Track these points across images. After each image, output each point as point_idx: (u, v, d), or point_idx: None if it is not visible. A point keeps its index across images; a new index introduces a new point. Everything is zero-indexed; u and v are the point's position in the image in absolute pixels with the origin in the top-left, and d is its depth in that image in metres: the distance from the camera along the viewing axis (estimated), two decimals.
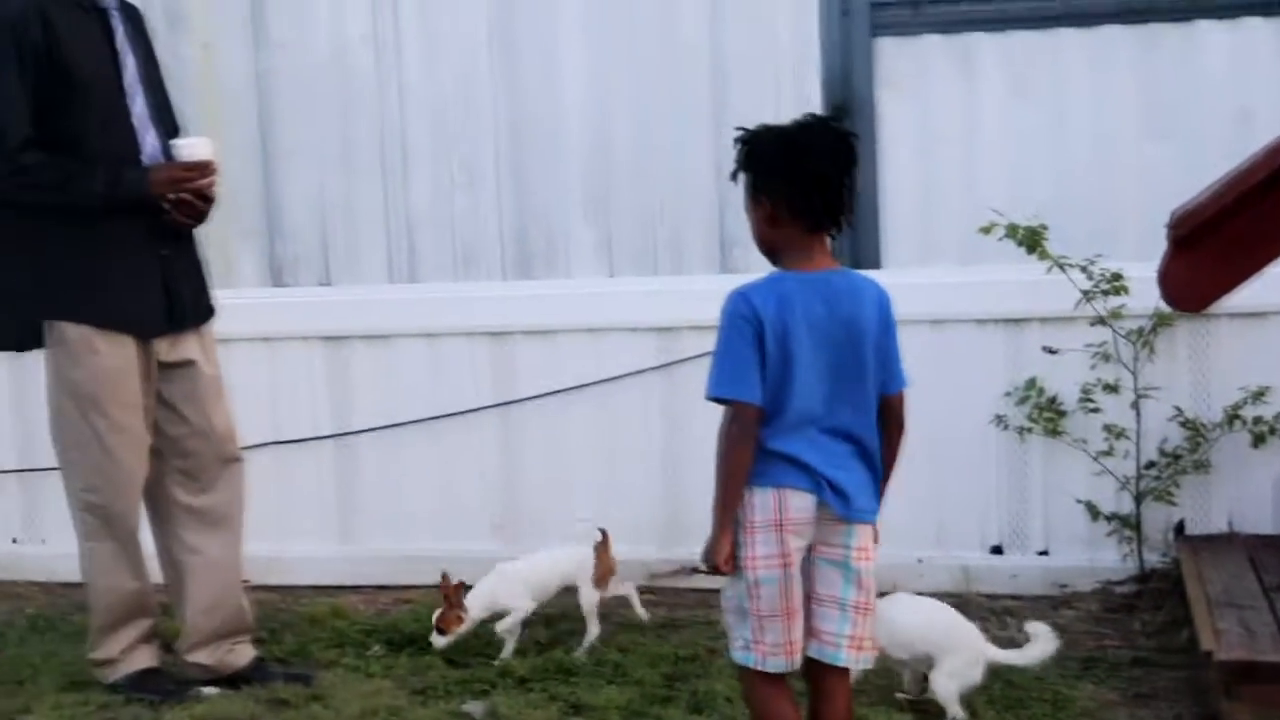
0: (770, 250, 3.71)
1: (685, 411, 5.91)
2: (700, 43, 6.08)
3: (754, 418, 3.60)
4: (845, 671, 3.74)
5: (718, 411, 3.62)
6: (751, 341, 3.59)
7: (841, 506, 3.62)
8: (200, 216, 4.96)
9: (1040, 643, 4.60)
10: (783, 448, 3.62)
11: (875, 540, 3.76)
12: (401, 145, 6.28)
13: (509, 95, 6.21)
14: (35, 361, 5.78)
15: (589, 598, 5.32)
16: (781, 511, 3.62)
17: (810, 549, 3.68)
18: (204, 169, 4.88)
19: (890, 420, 3.74)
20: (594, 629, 5.30)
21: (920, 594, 5.59)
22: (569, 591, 5.38)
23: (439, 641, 5.21)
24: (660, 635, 5.44)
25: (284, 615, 5.73)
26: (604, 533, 5.45)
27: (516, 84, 6.21)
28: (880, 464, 3.75)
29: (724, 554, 3.66)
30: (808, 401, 3.62)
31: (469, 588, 5.25)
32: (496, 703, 4.85)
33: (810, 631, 3.70)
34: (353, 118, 6.29)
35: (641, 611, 5.52)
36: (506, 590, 5.26)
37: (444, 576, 5.25)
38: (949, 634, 4.63)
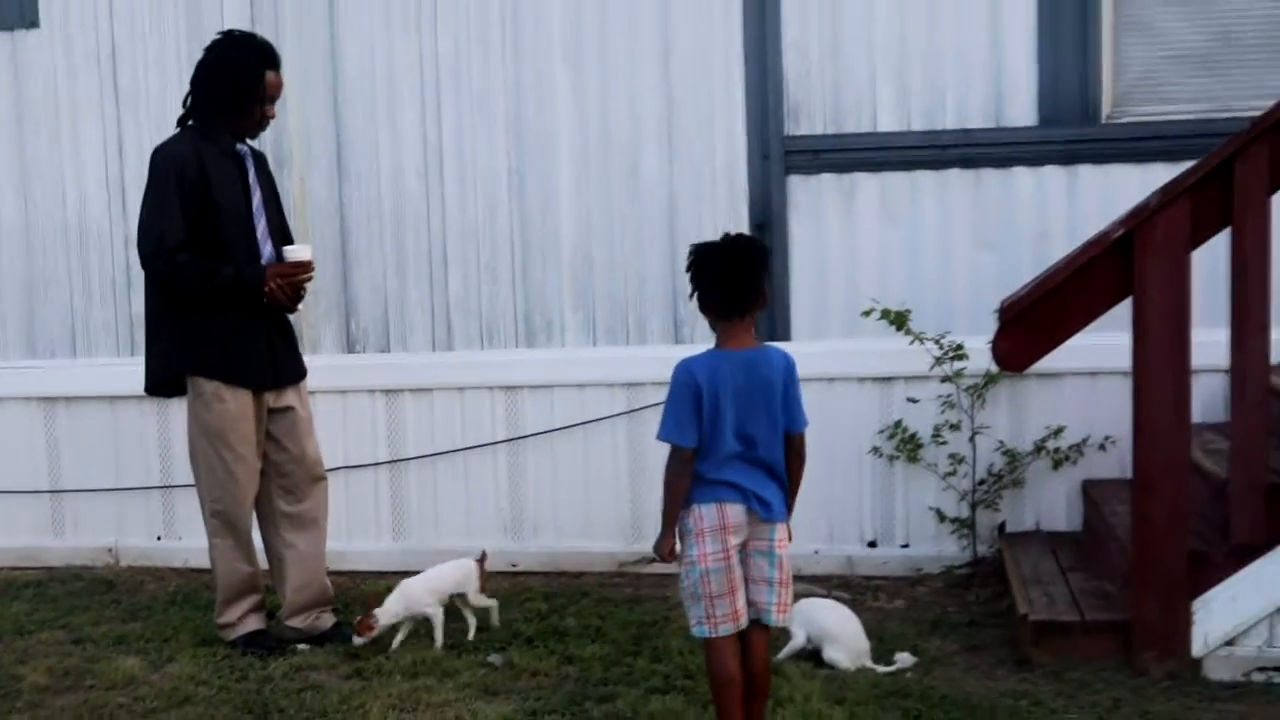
0: (713, 329, 3.86)
1: (645, 446, 5.99)
2: (658, 180, 6.11)
3: (688, 456, 3.75)
4: (766, 629, 3.83)
5: (666, 447, 3.78)
6: (690, 402, 3.72)
7: (765, 511, 3.76)
8: (295, 303, 5.08)
9: (900, 662, 4.71)
10: (720, 475, 3.75)
11: (790, 538, 3.87)
12: (443, 252, 6.27)
13: (520, 217, 6.21)
14: (171, 406, 6.04)
15: (477, 597, 5.13)
16: (723, 518, 3.75)
17: (744, 545, 3.79)
18: (305, 267, 5.03)
19: (793, 453, 3.85)
20: (492, 603, 5.20)
21: (815, 576, 5.86)
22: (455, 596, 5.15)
23: (356, 640, 4.96)
24: (628, 607, 5.45)
25: (353, 593, 5.72)
26: (484, 553, 5.27)
27: (526, 209, 6.21)
28: (786, 481, 3.84)
29: (667, 548, 3.83)
30: (732, 443, 3.74)
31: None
32: (511, 656, 4.85)
33: (749, 602, 3.80)
34: (406, 231, 6.29)
35: (495, 621, 5.23)
36: (415, 600, 5.02)
37: (370, 594, 5.12)
38: (853, 637, 4.76)
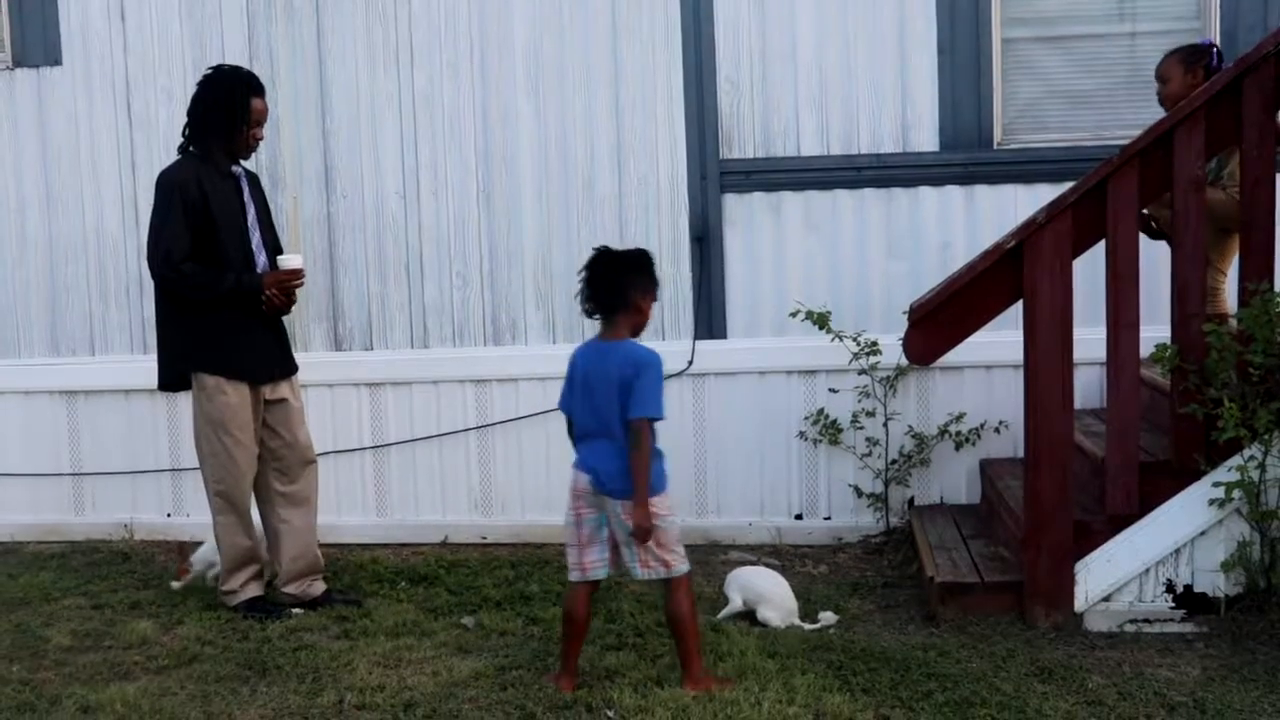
0: None
1: None
2: (610, 197, 6.09)
3: (568, 424, 4.03)
4: (678, 580, 3.90)
5: None
6: (569, 381, 3.96)
7: (597, 484, 3.89)
8: (288, 307, 5.04)
9: (824, 620, 4.72)
10: (580, 447, 3.94)
11: (646, 516, 3.82)
12: (419, 260, 6.23)
13: (488, 230, 6.17)
14: (179, 398, 5.95)
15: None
16: (575, 484, 3.94)
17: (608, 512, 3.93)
18: (297, 274, 5.00)
19: (628, 436, 3.86)
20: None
21: (750, 545, 5.87)
22: None
23: (175, 585, 5.27)
24: None
25: (340, 563, 5.70)
26: None
27: (493, 223, 6.17)
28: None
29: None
30: (585, 420, 3.90)
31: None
32: (482, 618, 4.82)
33: (615, 561, 3.97)
34: (387, 242, 6.24)
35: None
36: (214, 550, 5.14)
37: (180, 546, 5.36)
38: (783, 599, 4.74)
